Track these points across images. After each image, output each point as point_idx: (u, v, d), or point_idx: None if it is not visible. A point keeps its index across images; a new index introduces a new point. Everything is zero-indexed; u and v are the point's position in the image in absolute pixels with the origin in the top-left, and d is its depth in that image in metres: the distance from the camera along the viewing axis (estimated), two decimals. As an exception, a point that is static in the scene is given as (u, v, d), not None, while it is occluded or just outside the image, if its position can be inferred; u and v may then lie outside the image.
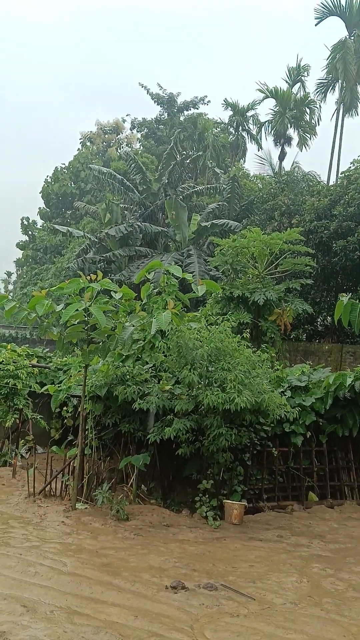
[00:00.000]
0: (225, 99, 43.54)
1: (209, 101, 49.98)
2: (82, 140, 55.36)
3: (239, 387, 8.49)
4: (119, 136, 56.73)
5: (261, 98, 40.93)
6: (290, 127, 39.88)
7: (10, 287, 64.20)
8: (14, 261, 56.89)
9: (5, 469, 11.51)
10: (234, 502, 9.19)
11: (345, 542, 8.41)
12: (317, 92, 38.86)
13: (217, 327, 9.52)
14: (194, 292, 9.77)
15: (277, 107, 39.60)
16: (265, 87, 39.22)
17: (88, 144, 54.73)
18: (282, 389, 10.37)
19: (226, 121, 45.70)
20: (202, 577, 6.55)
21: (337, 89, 37.98)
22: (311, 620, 5.56)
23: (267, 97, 39.74)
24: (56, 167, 49.63)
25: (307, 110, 39.73)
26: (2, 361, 12.52)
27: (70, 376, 12.28)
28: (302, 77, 41.07)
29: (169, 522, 8.80)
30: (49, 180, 49.22)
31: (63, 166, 49.57)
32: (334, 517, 9.71)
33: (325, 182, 32.12)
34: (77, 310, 8.52)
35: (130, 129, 55.06)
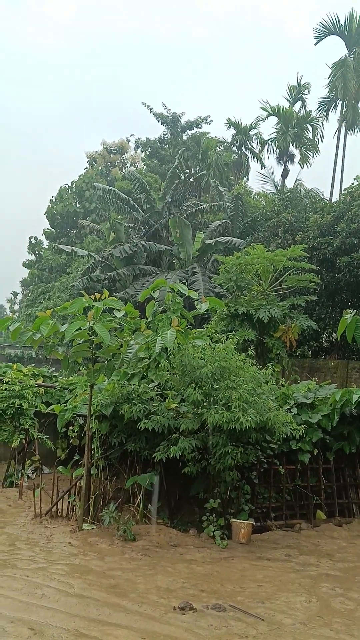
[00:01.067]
0: (228, 118, 44.03)
1: (211, 120, 50.44)
2: (89, 160, 55.99)
3: (243, 406, 8.47)
4: (123, 156, 57.33)
5: (264, 117, 41.36)
6: (293, 144, 40.19)
7: (16, 307, 64.47)
8: (20, 281, 57.22)
9: (11, 490, 11.49)
10: (241, 521, 9.13)
11: (354, 561, 8.32)
12: (319, 110, 39.23)
13: (221, 345, 9.52)
14: (198, 310, 9.80)
15: (280, 125, 39.96)
16: (268, 105, 39.63)
17: (94, 163, 55.30)
18: (288, 406, 10.34)
19: (229, 140, 46.12)
20: (210, 598, 6.49)
21: (339, 106, 38.34)
22: (321, 641, 5.50)
23: (270, 115, 40.14)
24: (60, 187, 50.14)
25: (310, 127, 40.04)
26: (8, 381, 12.54)
27: (76, 395, 12.28)
28: (303, 95, 41.52)
29: (176, 542, 8.74)
30: (54, 200, 49.67)
31: (67, 186, 50.03)
32: (342, 536, 9.62)
33: (328, 199, 32.28)
34: (80, 328, 8.55)
35: (135, 149, 55.66)
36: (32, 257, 50.79)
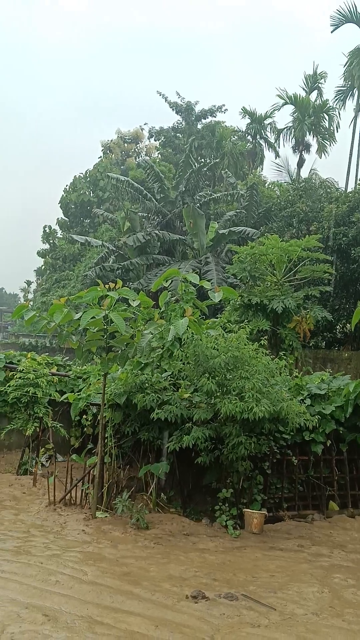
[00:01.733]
0: (243, 107, 43.77)
1: (226, 109, 50.23)
2: (103, 149, 55.91)
3: (257, 396, 8.46)
4: (138, 145, 57.19)
5: (279, 105, 41.04)
6: (309, 133, 39.85)
7: (30, 296, 64.80)
8: (34, 270, 57.52)
9: (26, 478, 11.58)
10: (254, 511, 9.14)
11: (367, 552, 8.31)
12: (336, 100, 38.82)
13: (233, 334, 9.50)
14: (211, 300, 9.78)
15: (296, 114, 39.62)
16: (285, 93, 39.31)
17: (108, 152, 55.23)
18: (301, 397, 10.32)
19: (243, 129, 45.82)
20: (222, 587, 6.52)
21: (355, 95, 37.93)
22: (333, 631, 5.51)
23: (286, 103, 39.84)
24: (75, 176, 50.17)
25: (326, 117, 39.66)
26: (23, 370, 12.61)
27: (90, 384, 12.32)
28: (319, 84, 41.08)
29: (189, 531, 8.77)
30: (68, 189, 49.68)
31: (81, 175, 50.02)
32: (355, 527, 9.60)
33: (344, 189, 32.00)
34: (94, 317, 8.57)
35: (149, 138, 55.48)
36: (47, 246, 50.94)
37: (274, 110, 42.54)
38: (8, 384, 12.61)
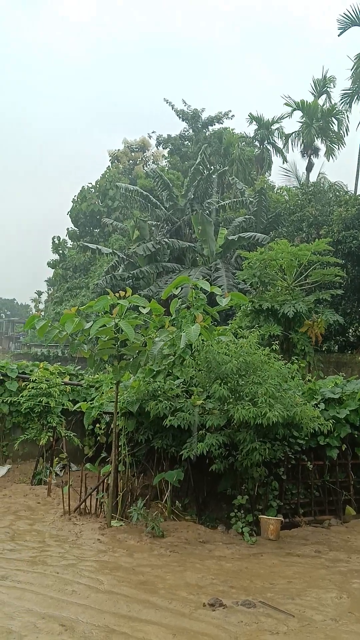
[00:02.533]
0: (250, 113, 43.86)
1: (232, 115, 50.38)
2: (110, 158, 56.23)
3: (270, 401, 8.42)
4: (145, 153, 57.44)
5: (289, 112, 41.06)
6: (318, 138, 39.83)
7: (41, 306, 65.13)
8: (45, 280, 57.82)
9: (40, 488, 11.59)
10: (269, 517, 9.07)
11: (385, 557, 8.22)
12: (342, 102, 38.75)
13: (244, 340, 9.47)
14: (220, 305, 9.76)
15: (304, 119, 39.64)
16: (291, 100, 39.36)
17: (115, 161, 55.54)
18: (315, 402, 10.25)
19: (251, 135, 45.90)
20: (239, 594, 6.47)
21: (362, 98, 37.82)
22: (352, 637, 5.44)
23: (294, 109, 39.86)
24: (83, 186, 50.44)
25: (335, 120, 39.64)
26: (35, 380, 12.66)
27: (102, 393, 12.34)
28: (328, 88, 41.07)
29: (205, 538, 8.73)
30: (77, 199, 49.96)
31: (90, 185, 50.30)
32: (372, 531, 9.51)
33: (353, 192, 31.88)
34: (105, 325, 8.58)
35: (156, 146, 55.72)
36: (56, 256, 51.22)
37: (283, 117, 42.59)
38: (21, 394, 12.67)
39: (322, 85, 41.04)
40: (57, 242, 51.00)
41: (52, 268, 51.34)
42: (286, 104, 39.72)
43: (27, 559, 7.41)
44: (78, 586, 6.45)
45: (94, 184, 50.47)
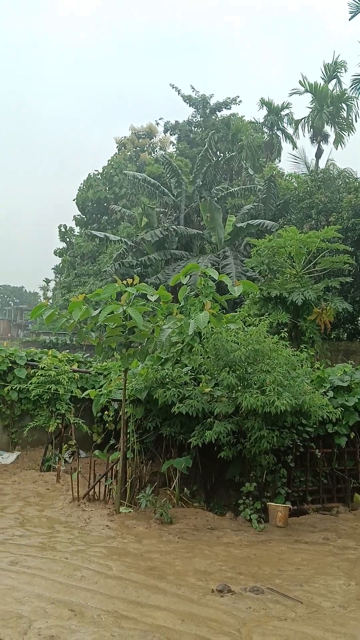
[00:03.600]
0: (262, 97, 43.36)
1: (240, 101, 49.87)
2: (117, 145, 55.96)
3: (278, 389, 8.41)
4: (152, 140, 57.09)
5: (300, 92, 40.44)
6: (327, 124, 39.41)
7: (49, 294, 65.24)
8: (52, 268, 57.85)
9: (49, 474, 11.66)
10: (278, 504, 9.09)
11: (393, 545, 8.22)
12: (353, 88, 38.27)
13: (253, 328, 9.44)
14: (231, 294, 9.73)
15: (314, 104, 39.22)
16: (306, 81, 38.87)
17: (122, 149, 55.25)
18: (324, 390, 10.22)
19: (260, 121, 45.49)
20: (248, 581, 6.49)
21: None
22: (361, 625, 5.45)
23: (306, 91, 39.32)
24: (89, 174, 50.21)
25: (345, 106, 39.20)
26: (44, 367, 12.69)
27: (111, 380, 12.36)
28: (338, 73, 40.56)
29: (213, 525, 8.76)
30: (83, 187, 49.78)
31: (96, 172, 50.08)
32: (381, 519, 9.51)
33: (362, 179, 31.58)
34: (113, 312, 8.57)
35: (164, 132, 55.38)
36: (64, 245, 51.17)
37: (293, 95, 41.93)
38: (30, 382, 12.71)
39: (332, 70, 40.50)
40: (63, 230, 50.93)
41: (60, 257, 51.30)
42: (300, 83, 39.20)
43: (36, 545, 7.46)
44: (87, 572, 6.49)
45: (100, 170, 50.24)
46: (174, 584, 6.27)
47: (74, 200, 50.16)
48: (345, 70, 40.07)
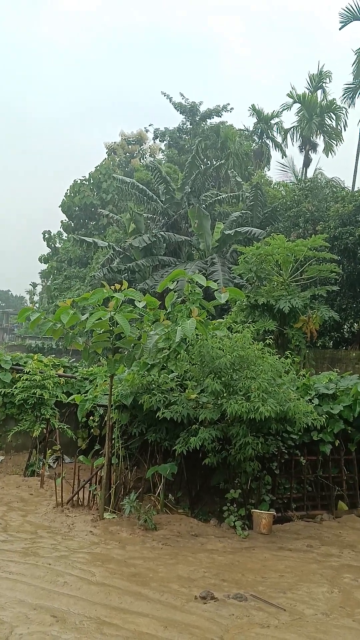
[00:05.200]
0: (252, 104, 43.78)
1: (232, 108, 50.07)
2: (107, 151, 55.99)
3: (263, 396, 8.43)
4: (142, 147, 57.19)
5: (288, 105, 40.92)
6: (316, 133, 39.79)
7: (36, 298, 64.94)
8: (39, 273, 57.56)
9: (33, 479, 11.59)
10: (262, 511, 9.10)
11: (376, 552, 8.25)
12: (345, 97, 38.64)
13: (238, 334, 9.47)
14: (218, 300, 9.75)
15: (302, 113, 39.58)
16: (294, 92, 39.27)
17: (112, 154, 55.28)
18: (309, 397, 10.26)
19: (250, 129, 45.80)
20: (231, 588, 6.49)
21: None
22: (343, 631, 5.47)
23: (295, 102, 39.76)
24: (75, 180, 50.10)
25: (333, 116, 39.60)
26: (29, 371, 12.63)
27: (97, 386, 12.33)
28: (324, 84, 41.01)
29: (197, 531, 8.75)
30: (69, 193, 49.66)
31: (83, 178, 50.00)
32: (364, 527, 9.55)
33: (350, 188, 31.88)
34: (100, 318, 8.56)
35: (153, 139, 55.51)
36: (49, 250, 50.99)
37: (283, 109, 42.36)
38: (15, 386, 12.64)
39: (317, 81, 41.00)
40: (47, 236, 50.81)
41: (45, 263, 51.05)
42: (288, 95, 39.64)
43: (19, 550, 7.41)
44: (70, 577, 6.46)
45: (87, 176, 50.15)
46: (157, 590, 6.25)
47: (60, 207, 50.03)
48: (330, 81, 40.55)
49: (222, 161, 40.31)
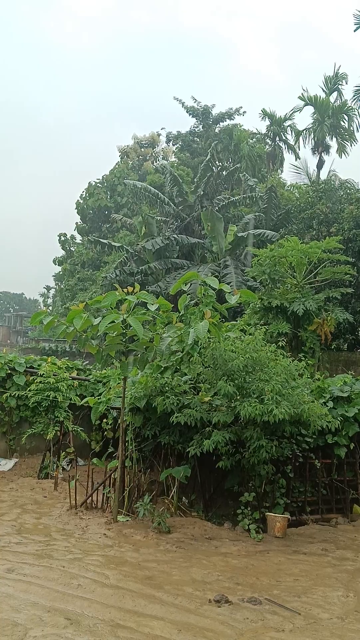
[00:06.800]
0: (263, 109, 43.54)
1: (244, 112, 50.02)
2: (120, 154, 56.17)
3: (276, 398, 8.38)
4: (154, 149, 57.30)
5: (300, 107, 40.72)
6: (329, 135, 39.59)
7: (49, 301, 65.19)
8: (53, 275, 57.80)
9: (47, 482, 11.62)
10: (276, 515, 9.05)
11: (392, 556, 8.17)
12: (355, 99, 38.44)
13: (250, 336, 9.44)
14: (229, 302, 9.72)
15: (315, 115, 39.42)
16: (307, 94, 39.09)
17: (125, 157, 55.45)
18: (323, 400, 10.20)
19: (263, 131, 45.67)
20: (245, 591, 6.45)
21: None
22: (359, 636, 5.41)
23: (306, 104, 39.58)
24: (89, 182, 50.27)
25: (346, 117, 39.39)
26: (43, 374, 12.67)
27: (110, 388, 12.34)
28: (339, 85, 40.77)
29: (211, 535, 8.71)
30: (84, 195, 49.85)
31: (97, 181, 50.18)
32: (380, 531, 9.46)
33: (364, 190, 31.66)
34: (114, 321, 8.57)
35: (166, 142, 55.60)
36: (63, 253, 51.16)
37: (294, 112, 42.19)
38: (29, 389, 12.69)
39: (333, 83, 40.72)
40: (63, 239, 51.00)
41: (59, 265, 51.24)
42: (300, 98, 39.46)
43: (33, 553, 7.42)
44: (84, 580, 6.45)
45: (101, 179, 50.31)
46: (171, 593, 6.23)
47: (75, 209, 50.23)
48: (346, 82, 40.29)
49: (238, 165, 40.27)
